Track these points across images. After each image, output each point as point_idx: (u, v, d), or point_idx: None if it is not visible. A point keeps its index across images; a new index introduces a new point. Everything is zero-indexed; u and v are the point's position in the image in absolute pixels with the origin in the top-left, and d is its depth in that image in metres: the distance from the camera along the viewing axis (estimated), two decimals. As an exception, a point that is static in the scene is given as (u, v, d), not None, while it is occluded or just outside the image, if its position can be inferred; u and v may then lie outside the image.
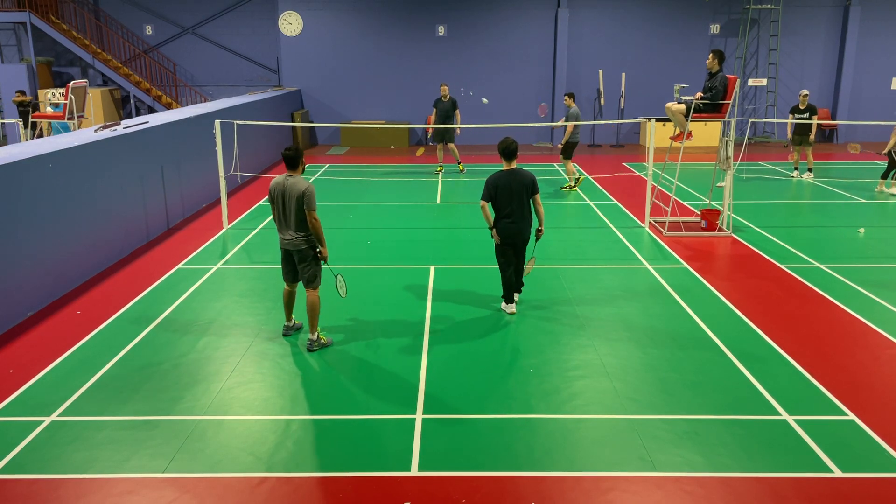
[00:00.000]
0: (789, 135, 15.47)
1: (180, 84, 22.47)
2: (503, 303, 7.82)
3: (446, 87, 16.07)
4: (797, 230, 11.28)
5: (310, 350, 6.75)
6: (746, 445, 5.20)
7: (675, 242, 10.58)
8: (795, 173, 15.64)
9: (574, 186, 14.38)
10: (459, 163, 16.39)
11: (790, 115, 15.27)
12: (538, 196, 7.50)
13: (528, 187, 7.38)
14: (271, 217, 6.74)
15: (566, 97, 14.58)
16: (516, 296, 7.86)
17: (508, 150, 7.44)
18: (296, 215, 6.49)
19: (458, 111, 16.15)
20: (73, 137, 9.68)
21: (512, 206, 7.37)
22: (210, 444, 5.25)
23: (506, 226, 7.46)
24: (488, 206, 7.45)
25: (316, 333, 6.80)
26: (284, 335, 7.13)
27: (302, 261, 6.66)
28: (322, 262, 6.76)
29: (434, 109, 16.24)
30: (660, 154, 15.41)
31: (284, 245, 6.69)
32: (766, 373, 6.33)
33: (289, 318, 7.13)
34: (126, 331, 7.33)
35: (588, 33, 21.33)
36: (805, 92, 15.23)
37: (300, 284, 6.96)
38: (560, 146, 14.34)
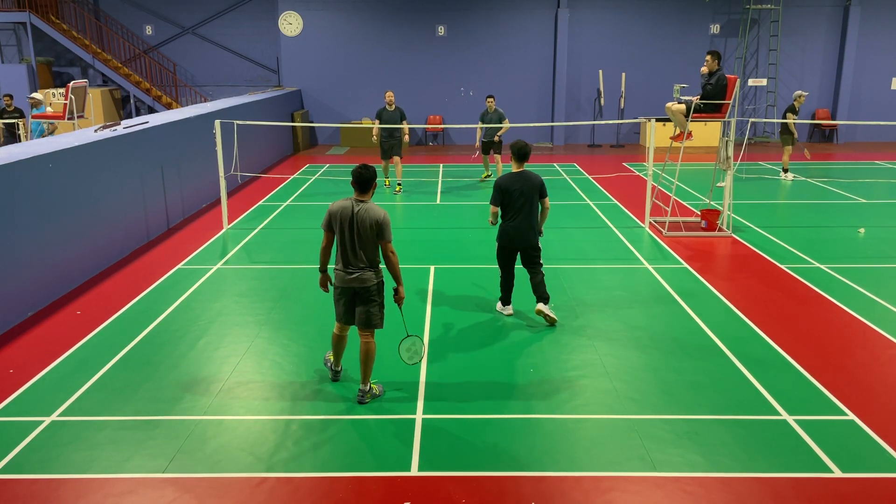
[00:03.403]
0: (796, 134, 15.24)
1: (180, 84, 22.48)
2: (499, 304, 7.79)
3: (392, 95, 13.93)
4: (797, 230, 11.28)
5: (361, 402, 5.79)
6: (746, 445, 5.19)
7: (675, 242, 10.58)
8: (791, 175, 15.66)
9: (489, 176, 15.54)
10: (399, 184, 14.38)
11: (791, 116, 15.14)
12: (546, 199, 7.31)
13: (536, 190, 7.21)
14: (322, 247, 5.76)
15: (490, 98, 14.39)
16: (548, 308, 7.37)
17: (521, 152, 7.28)
18: (369, 248, 5.58)
19: (406, 122, 13.87)
20: (73, 137, 9.68)
21: (519, 209, 7.21)
22: (210, 444, 5.25)
23: (509, 229, 7.32)
24: (498, 210, 7.34)
25: (368, 384, 5.84)
26: (333, 380, 6.20)
27: (368, 301, 5.68)
28: (397, 303, 5.85)
29: (377, 120, 13.87)
30: (660, 154, 15.42)
31: (348, 283, 5.64)
32: (766, 373, 6.32)
33: (338, 362, 6.19)
34: (126, 331, 7.33)
35: (588, 33, 21.33)
36: (805, 93, 15.26)
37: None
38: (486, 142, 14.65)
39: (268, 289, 8.57)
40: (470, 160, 18.35)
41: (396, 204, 13.39)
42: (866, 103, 21.53)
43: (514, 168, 7.33)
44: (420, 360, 6.00)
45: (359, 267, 5.61)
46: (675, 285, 8.63)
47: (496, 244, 7.54)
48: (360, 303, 5.72)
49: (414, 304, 8.01)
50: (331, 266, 5.88)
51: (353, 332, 6.22)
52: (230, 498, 4.64)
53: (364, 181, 5.58)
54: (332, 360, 6.22)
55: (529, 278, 7.46)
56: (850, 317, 7.66)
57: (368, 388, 5.83)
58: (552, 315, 7.34)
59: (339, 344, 6.05)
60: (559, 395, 5.95)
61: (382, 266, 5.78)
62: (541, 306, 7.34)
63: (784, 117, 15.35)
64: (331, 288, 5.89)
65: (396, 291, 5.80)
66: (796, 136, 15.29)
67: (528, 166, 7.62)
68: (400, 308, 5.93)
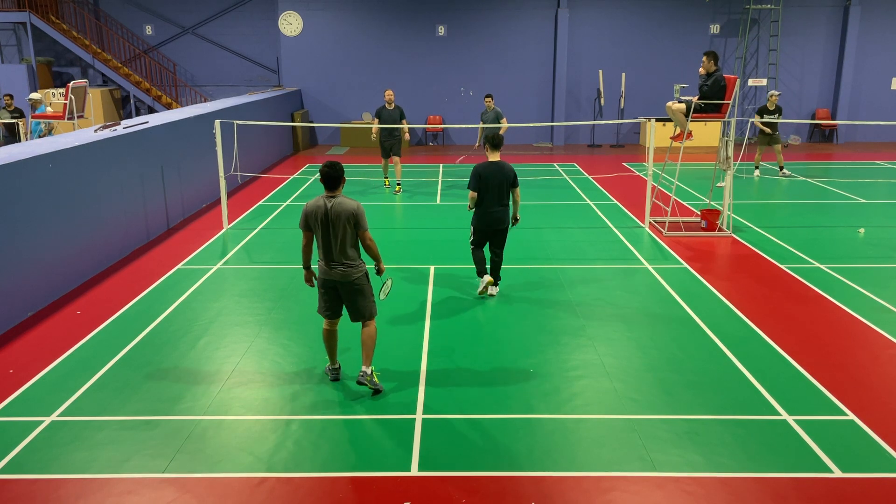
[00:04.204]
0: (768, 130, 15.28)
1: (180, 84, 22.47)
2: (480, 284, 8.21)
3: (391, 93, 13.78)
4: (797, 230, 11.28)
5: (360, 383, 5.88)
6: (746, 445, 5.19)
7: (675, 242, 10.57)
8: (757, 172, 15.85)
9: None
10: (398, 184, 14.25)
11: (758, 116, 15.23)
12: (517, 189, 8.03)
13: (508, 180, 7.87)
14: (303, 245, 5.93)
15: (489, 98, 13.90)
16: (495, 289, 8.29)
17: (494, 142, 7.92)
18: (347, 240, 5.69)
19: (405, 121, 13.85)
20: (73, 137, 9.68)
21: (493, 196, 7.85)
22: (210, 444, 5.25)
23: (486, 214, 7.94)
24: (476, 195, 7.95)
25: (370, 367, 5.91)
26: (333, 380, 6.17)
27: (358, 293, 5.82)
28: (378, 275, 6.06)
29: (376, 119, 13.77)
30: (660, 154, 15.42)
31: (332, 277, 5.76)
32: (766, 373, 6.33)
33: (335, 359, 6.20)
34: (126, 331, 7.33)
35: (588, 33, 21.33)
36: (777, 93, 15.37)
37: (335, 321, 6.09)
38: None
39: (268, 289, 8.57)
40: (471, 159, 18.35)
41: (396, 204, 13.39)
42: (866, 103, 21.53)
43: (490, 157, 7.91)
44: (388, 293, 6.19)
45: (340, 261, 5.76)
46: (675, 285, 8.63)
47: (471, 228, 8.15)
48: (347, 296, 5.87)
49: (414, 305, 8.01)
50: (317, 265, 5.97)
51: (343, 326, 6.23)
52: (230, 498, 4.65)
53: (331, 179, 5.73)
54: (329, 362, 6.27)
55: (490, 258, 8.30)
56: (850, 317, 7.66)
57: (370, 371, 5.90)
58: (494, 292, 8.26)
59: (329, 340, 6.12)
60: (559, 395, 5.95)
61: (364, 256, 5.98)
62: (492, 289, 8.26)
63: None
64: (317, 283, 6.03)
65: (378, 270, 6.04)
66: (768, 131, 15.30)
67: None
68: (380, 277, 6.17)
